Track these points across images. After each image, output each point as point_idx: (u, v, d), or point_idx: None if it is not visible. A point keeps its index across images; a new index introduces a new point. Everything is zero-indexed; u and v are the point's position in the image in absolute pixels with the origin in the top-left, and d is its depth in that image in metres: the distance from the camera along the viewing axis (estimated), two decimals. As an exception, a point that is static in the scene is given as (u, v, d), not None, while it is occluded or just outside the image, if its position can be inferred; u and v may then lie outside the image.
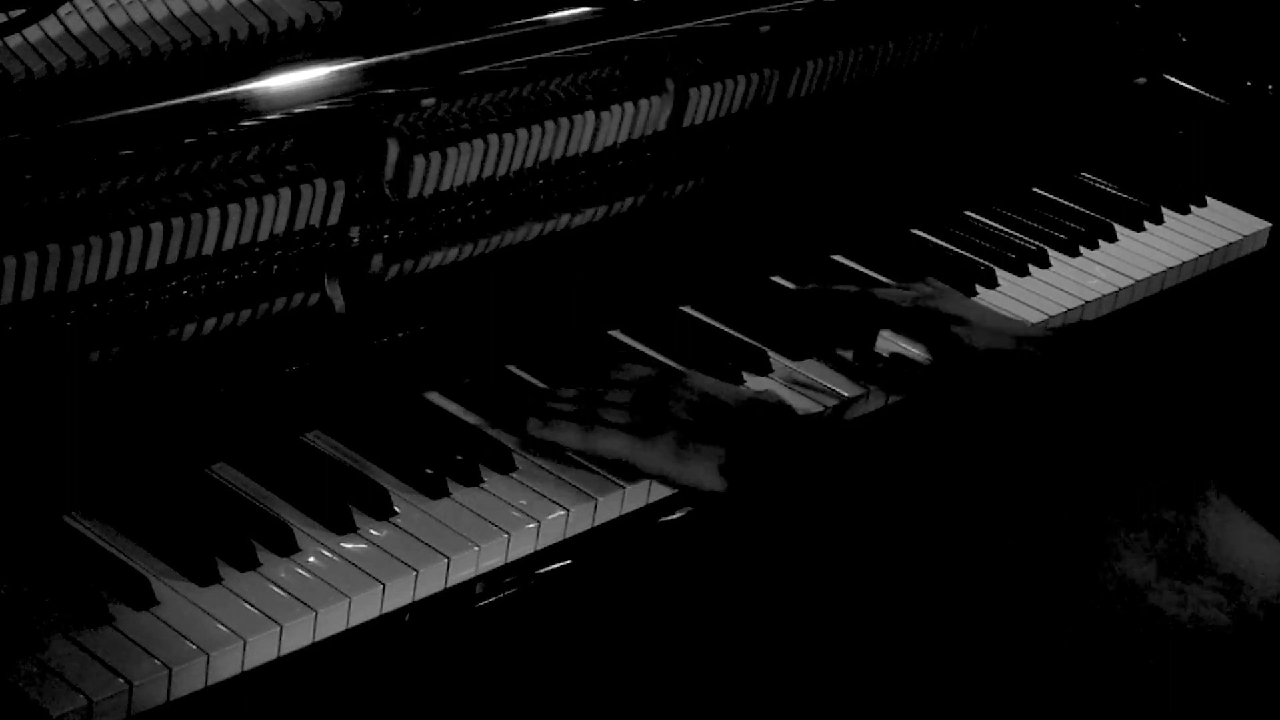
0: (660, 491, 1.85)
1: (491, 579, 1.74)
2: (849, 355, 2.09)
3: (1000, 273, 2.36)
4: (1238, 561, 1.40)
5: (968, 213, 2.50)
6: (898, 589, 1.67)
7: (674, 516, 1.86)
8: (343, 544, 1.67)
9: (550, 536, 1.77)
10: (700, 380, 1.83)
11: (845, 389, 2.05)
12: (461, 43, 1.83)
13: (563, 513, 1.77)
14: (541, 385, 1.92)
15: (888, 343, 2.11)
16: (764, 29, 2.14)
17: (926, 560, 1.58)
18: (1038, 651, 1.46)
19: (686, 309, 2.14)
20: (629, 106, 2.03)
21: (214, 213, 1.72)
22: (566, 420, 1.81)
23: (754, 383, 2.02)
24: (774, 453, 1.74)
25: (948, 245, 2.41)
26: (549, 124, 1.96)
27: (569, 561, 1.80)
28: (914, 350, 2.11)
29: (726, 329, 2.11)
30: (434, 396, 1.89)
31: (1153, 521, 1.43)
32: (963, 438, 1.93)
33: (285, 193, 1.77)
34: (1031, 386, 1.93)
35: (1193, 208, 2.63)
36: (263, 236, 1.77)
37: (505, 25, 1.87)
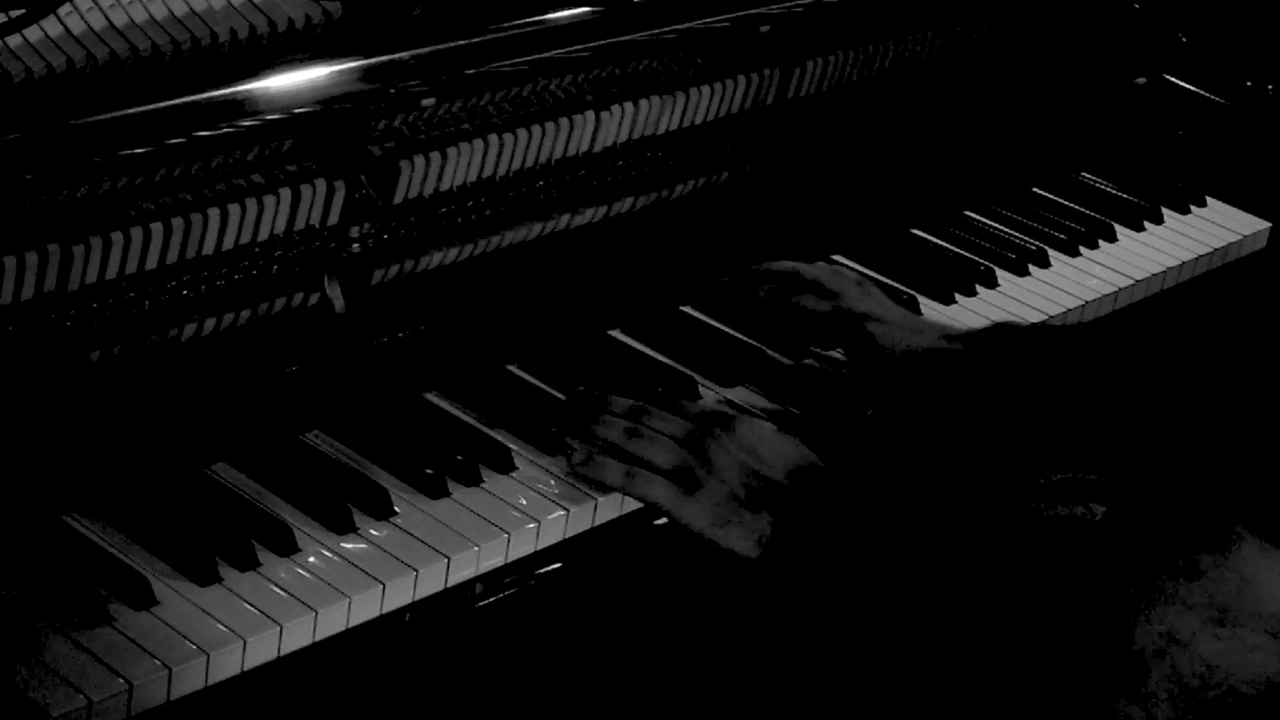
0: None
1: (491, 579, 1.74)
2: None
3: (1000, 273, 2.36)
4: (1273, 602, 1.38)
5: (968, 213, 2.50)
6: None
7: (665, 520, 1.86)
8: (343, 544, 1.67)
9: (550, 536, 1.77)
10: (752, 432, 1.77)
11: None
12: (461, 43, 1.83)
13: (562, 513, 1.77)
14: (543, 387, 1.92)
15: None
16: (764, 29, 2.14)
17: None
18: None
19: (686, 309, 2.14)
20: (629, 106, 2.03)
21: (214, 213, 1.72)
22: (608, 457, 1.78)
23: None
24: (815, 534, 1.69)
25: (948, 245, 2.41)
26: (549, 124, 1.96)
27: (569, 562, 1.80)
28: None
29: (726, 329, 2.11)
30: (434, 396, 1.89)
31: (1189, 568, 1.40)
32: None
33: (285, 193, 1.77)
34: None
35: (1193, 208, 2.63)
36: (263, 236, 1.77)
37: (505, 25, 1.87)
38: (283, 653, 1.58)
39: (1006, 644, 1.49)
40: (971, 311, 2.24)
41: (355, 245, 1.84)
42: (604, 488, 1.80)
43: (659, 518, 1.85)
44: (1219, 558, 1.40)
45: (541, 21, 1.90)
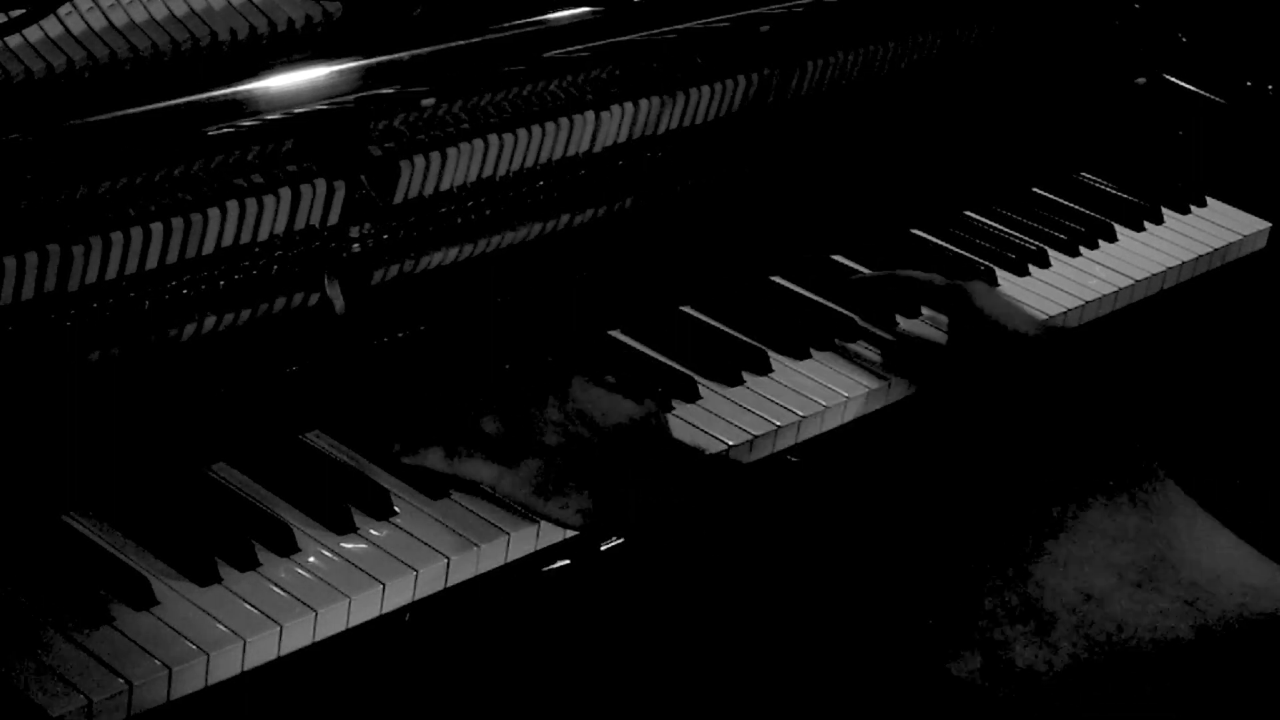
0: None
1: (491, 579, 1.74)
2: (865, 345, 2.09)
3: (1000, 273, 2.36)
4: (1202, 570, 1.38)
5: (968, 213, 2.50)
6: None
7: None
8: (343, 544, 1.67)
9: (550, 536, 1.77)
10: (584, 393, 1.72)
11: (845, 389, 2.05)
12: (461, 43, 1.83)
13: (563, 513, 1.77)
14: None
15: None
16: (764, 29, 2.14)
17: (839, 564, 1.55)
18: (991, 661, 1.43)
19: (686, 309, 2.14)
20: (629, 106, 2.03)
21: (214, 213, 1.72)
22: (434, 445, 1.74)
23: (752, 382, 2.03)
24: (634, 500, 1.66)
25: (948, 245, 2.41)
26: (549, 124, 1.96)
27: (568, 561, 1.80)
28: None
29: (726, 329, 2.11)
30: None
31: (1115, 529, 1.41)
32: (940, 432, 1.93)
33: (285, 193, 1.77)
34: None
35: (1193, 208, 2.63)
36: (263, 236, 1.77)
37: (505, 25, 1.87)
38: (283, 653, 1.58)
39: (891, 577, 1.49)
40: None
41: (355, 245, 1.84)
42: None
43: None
44: (1145, 520, 1.40)
45: (541, 21, 1.90)
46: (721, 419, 1.95)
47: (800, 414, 1.99)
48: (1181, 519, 1.39)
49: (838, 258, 2.30)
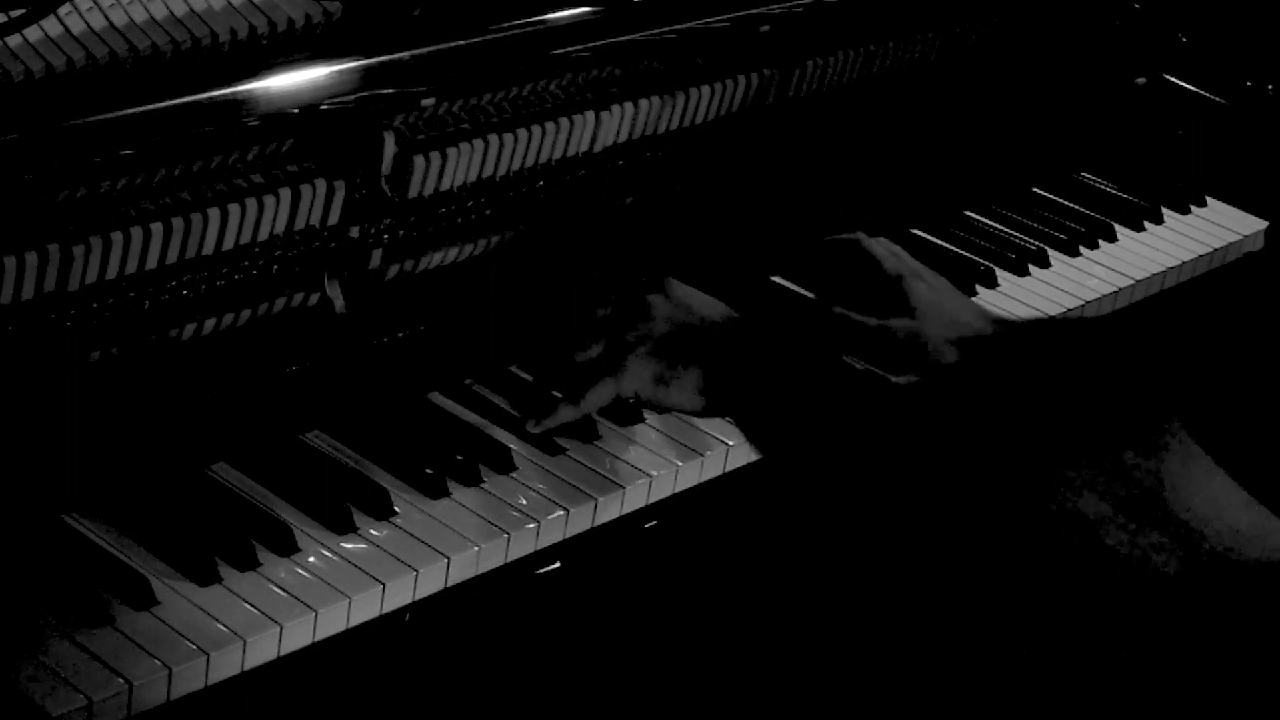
0: (660, 492, 1.85)
1: (491, 579, 1.74)
2: None
3: (1000, 273, 2.36)
4: (1195, 509, 1.39)
5: (968, 213, 2.50)
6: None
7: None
8: (343, 544, 1.67)
9: (550, 537, 1.77)
10: (683, 291, 1.80)
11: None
12: (461, 43, 1.83)
13: (562, 513, 1.77)
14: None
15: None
16: (764, 29, 2.14)
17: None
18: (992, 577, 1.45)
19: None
20: (629, 106, 2.03)
21: (214, 213, 1.72)
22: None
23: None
24: (755, 372, 1.70)
25: (948, 245, 2.41)
26: (549, 124, 1.96)
27: (569, 562, 1.80)
28: None
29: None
30: (434, 396, 1.89)
31: (1113, 462, 1.42)
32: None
33: (285, 193, 1.77)
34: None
35: (1192, 208, 2.63)
36: (263, 236, 1.77)
37: (505, 25, 1.87)
38: (283, 653, 1.58)
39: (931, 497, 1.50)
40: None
41: (354, 245, 1.84)
42: (605, 488, 1.80)
43: (658, 518, 1.86)
44: (1144, 457, 1.41)
45: (541, 21, 1.90)
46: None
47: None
48: (1178, 457, 1.39)
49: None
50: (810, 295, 2.21)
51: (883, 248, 2.04)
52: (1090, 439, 1.43)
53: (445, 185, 1.89)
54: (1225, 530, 1.37)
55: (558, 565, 1.79)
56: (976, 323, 1.98)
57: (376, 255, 1.87)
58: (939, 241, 2.41)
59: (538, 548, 1.76)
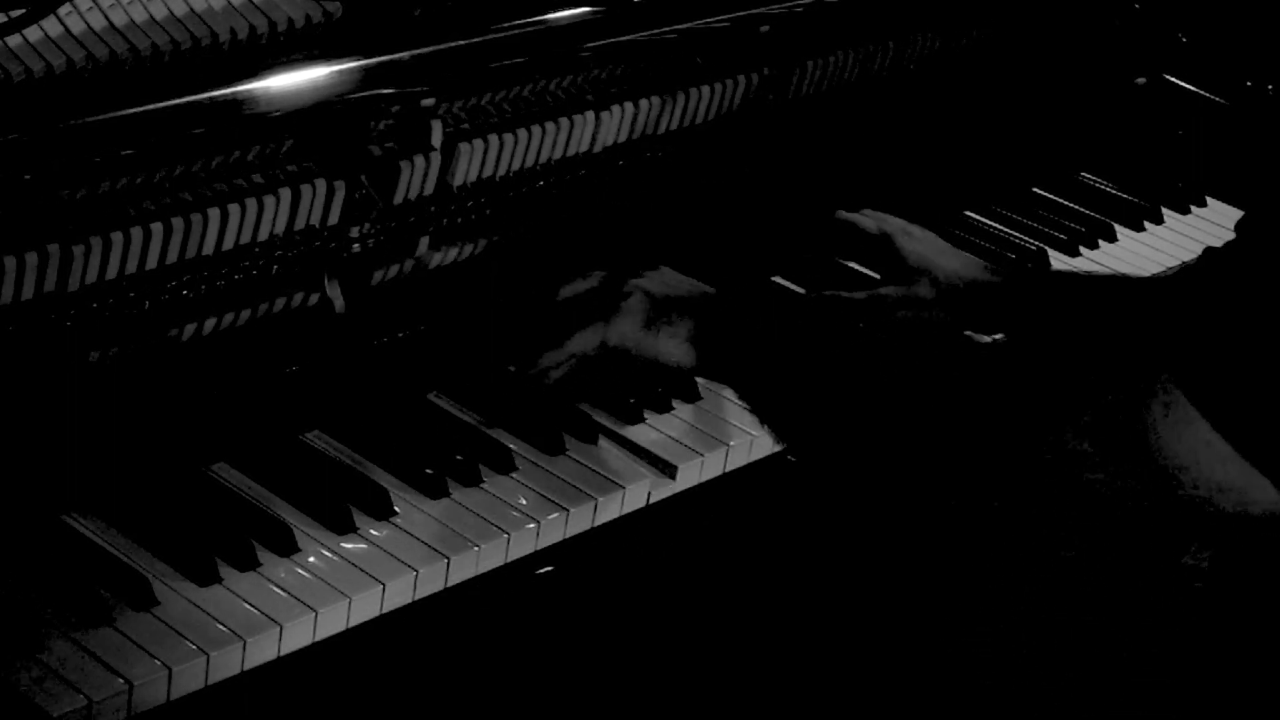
0: (660, 493, 1.86)
1: (491, 579, 1.74)
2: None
3: (1000, 273, 2.36)
4: (1176, 455, 1.40)
5: (967, 213, 2.50)
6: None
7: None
8: (343, 544, 1.67)
9: (550, 537, 1.77)
10: (666, 272, 1.83)
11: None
12: (461, 43, 1.83)
13: (562, 513, 1.77)
14: None
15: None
16: (764, 29, 2.14)
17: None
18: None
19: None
20: (629, 106, 2.03)
21: (214, 213, 1.72)
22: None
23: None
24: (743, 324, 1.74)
25: (948, 245, 2.41)
26: (549, 124, 1.96)
27: (568, 561, 1.80)
28: None
29: (726, 329, 2.11)
30: (434, 396, 1.89)
31: (1101, 407, 1.44)
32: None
33: (285, 193, 1.77)
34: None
35: (1193, 208, 2.63)
36: (263, 236, 1.77)
37: (505, 25, 1.87)
38: (283, 653, 1.58)
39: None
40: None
41: (355, 245, 1.84)
42: (604, 488, 1.80)
43: (660, 519, 1.86)
44: (1127, 401, 1.42)
45: (541, 21, 1.90)
46: (719, 417, 1.95)
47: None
48: (1159, 405, 1.41)
49: (838, 258, 2.30)
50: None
51: (866, 216, 2.08)
52: (1086, 384, 1.45)
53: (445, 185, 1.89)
54: (1202, 479, 1.39)
55: (558, 565, 1.79)
56: (968, 269, 2.02)
57: (376, 255, 1.86)
58: (939, 241, 2.41)
59: (537, 548, 1.76)
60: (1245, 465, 1.38)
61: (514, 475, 1.80)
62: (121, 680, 1.48)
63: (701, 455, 1.90)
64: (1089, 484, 1.41)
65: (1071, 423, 1.43)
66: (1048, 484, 1.43)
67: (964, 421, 1.50)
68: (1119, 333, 1.86)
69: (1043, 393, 1.47)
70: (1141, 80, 2.72)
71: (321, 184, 1.79)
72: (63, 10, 1.62)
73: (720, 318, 1.74)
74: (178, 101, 1.65)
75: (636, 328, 1.77)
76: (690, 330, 1.75)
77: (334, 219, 1.82)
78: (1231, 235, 2.39)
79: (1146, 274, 2.43)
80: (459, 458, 1.79)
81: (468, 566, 1.71)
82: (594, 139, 2.01)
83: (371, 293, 1.88)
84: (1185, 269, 2.30)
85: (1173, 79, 2.72)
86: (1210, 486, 1.39)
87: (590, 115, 1.99)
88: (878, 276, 2.27)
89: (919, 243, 2.08)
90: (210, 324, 1.77)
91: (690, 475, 1.88)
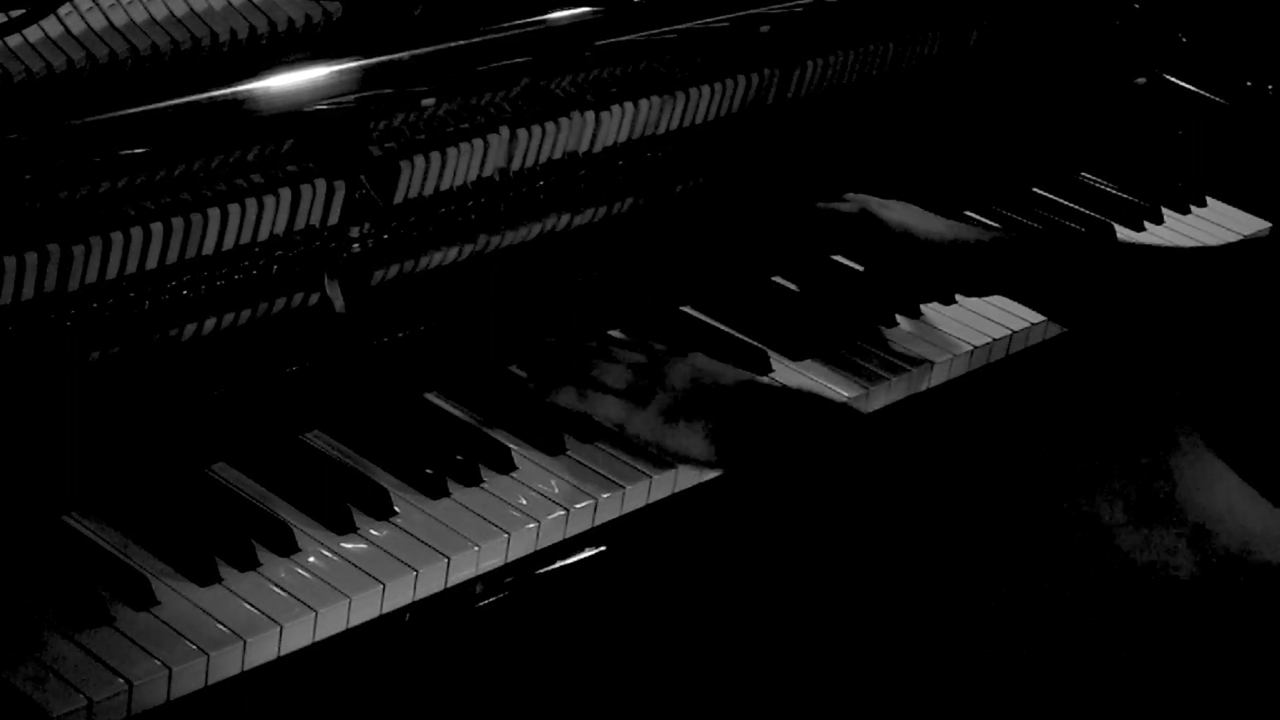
0: (660, 492, 1.85)
1: (491, 579, 1.74)
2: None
3: (1000, 273, 2.36)
4: (1207, 511, 1.39)
5: (967, 213, 2.49)
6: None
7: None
8: (343, 544, 1.67)
9: (550, 536, 1.77)
10: (703, 359, 1.86)
11: (844, 389, 2.05)
12: (461, 43, 1.83)
13: (562, 513, 1.77)
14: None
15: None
16: (764, 29, 2.14)
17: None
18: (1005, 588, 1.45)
19: (686, 309, 2.14)
20: (629, 106, 2.03)
21: (214, 213, 1.72)
22: (567, 385, 1.85)
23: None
24: (761, 425, 1.76)
25: (948, 245, 2.41)
26: (549, 124, 1.96)
27: (567, 561, 1.80)
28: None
29: (727, 329, 2.11)
30: (434, 396, 1.89)
31: (1125, 464, 1.42)
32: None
33: (285, 193, 1.77)
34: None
35: (1193, 208, 2.63)
36: (263, 236, 1.77)
37: (505, 25, 1.87)
38: (283, 653, 1.58)
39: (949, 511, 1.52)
40: (972, 310, 2.23)
41: (355, 245, 1.84)
42: (604, 487, 1.80)
43: (660, 519, 1.86)
44: (1155, 459, 1.41)
45: (541, 21, 1.90)
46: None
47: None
48: (1188, 459, 1.39)
49: (839, 258, 2.30)
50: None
51: (844, 201, 2.12)
52: (1102, 437, 1.44)
53: (445, 185, 1.89)
54: (1238, 530, 1.37)
55: (557, 565, 1.79)
56: (951, 230, 2.04)
57: (376, 255, 1.86)
58: (939, 241, 2.41)
59: (538, 548, 1.76)
60: (1277, 512, 1.37)
61: (514, 475, 1.80)
62: (121, 680, 1.48)
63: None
64: (1122, 553, 1.39)
65: (1101, 490, 1.41)
66: (1066, 553, 1.41)
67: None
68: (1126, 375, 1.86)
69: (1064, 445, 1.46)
70: (1141, 80, 2.72)
71: (321, 184, 1.79)
72: (63, 10, 1.62)
73: (741, 416, 1.78)
74: (178, 101, 1.65)
75: (657, 422, 1.81)
76: (709, 428, 1.78)
77: (334, 219, 1.82)
78: (1231, 235, 2.39)
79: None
80: (459, 458, 1.79)
81: (468, 566, 1.71)
82: (594, 139, 2.01)
83: (371, 293, 1.88)
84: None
85: (1173, 79, 2.72)
86: (1249, 537, 1.37)
87: (590, 115, 1.99)
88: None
89: (897, 212, 2.12)
90: (210, 324, 1.77)
91: (691, 475, 1.88)
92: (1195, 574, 1.37)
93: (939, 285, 2.18)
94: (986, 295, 2.18)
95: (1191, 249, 2.38)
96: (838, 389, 2.04)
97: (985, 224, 2.37)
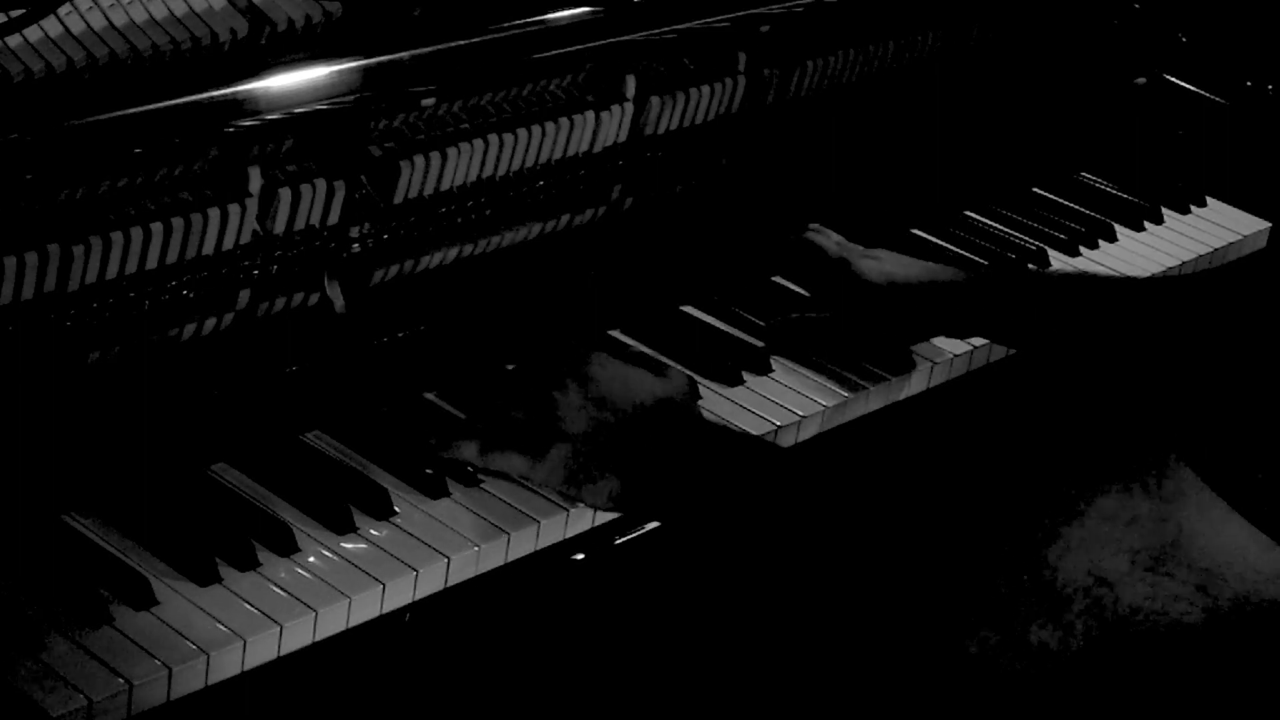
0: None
1: (491, 579, 1.74)
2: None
3: (1000, 273, 2.36)
4: (1214, 556, 1.38)
5: (968, 212, 2.50)
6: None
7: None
8: (343, 544, 1.67)
9: (551, 536, 1.77)
10: (604, 371, 1.72)
11: (840, 389, 2.05)
12: (461, 43, 1.83)
13: (562, 513, 1.77)
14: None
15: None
16: (764, 29, 2.14)
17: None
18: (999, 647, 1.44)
19: (687, 309, 2.14)
20: (628, 106, 2.02)
21: (214, 213, 1.72)
22: (467, 438, 1.75)
23: (752, 382, 2.03)
24: (665, 484, 1.67)
25: (947, 245, 2.41)
26: (549, 124, 1.96)
27: (566, 561, 1.80)
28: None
29: (727, 329, 2.11)
30: (433, 396, 1.89)
31: (1128, 512, 1.41)
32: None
33: (285, 193, 1.77)
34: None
35: (1193, 207, 2.63)
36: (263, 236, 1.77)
37: (505, 25, 1.87)
38: (283, 653, 1.58)
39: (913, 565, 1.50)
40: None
41: (355, 245, 1.84)
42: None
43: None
44: (1159, 505, 1.40)
45: (541, 21, 1.90)
46: (720, 420, 1.95)
47: (800, 414, 1.99)
48: (1193, 504, 1.39)
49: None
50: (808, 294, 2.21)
51: (828, 239, 2.10)
52: (1095, 469, 1.43)
53: (445, 185, 1.89)
54: (1247, 572, 1.36)
55: (558, 565, 1.79)
56: (927, 272, 2.04)
57: (377, 255, 1.86)
58: (939, 241, 2.41)
59: (538, 548, 1.76)
60: (1278, 549, 1.36)
61: (514, 475, 1.80)
62: (121, 680, 1.48)
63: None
64: (1132, 603, 1.38)
65: (1108, 548, 1.40)
66: (1064, 599, 1.40)
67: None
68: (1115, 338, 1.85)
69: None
70: (1141, 80, 2.72)
71: (321, 184, 1.79)
72: (63, 10, 1.62)
73: (646, 473, 1.68)
74: (178, 101, 1.65)
75: (560, 479, 1.70)
76: (614, 490, 1.69)
77: (334, 219, 1.82)
78: (1231, 235, 2.39)
79: (1146, 274, 2.43)
80: (459, 458, 1.79)
81: (468, 566, 1.71)
82: (594, 139, 2.01)
83: (371, 293, 1.88)
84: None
85: (1173, 79, 2.72)
86: (1257, 579, 1.36)
87: (590, 115, 1.99)
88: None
89: (879, 264, 2.09)
90: (210, 324, 1.77)
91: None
92: (1206, 619, 1.36)
93: (921, 332, 2.14)
94: (967, 338, 2.15)
95: (1179, 277, 2.38)
96: (835, 388, 2.04)
97: (968, 259, 2.35)
